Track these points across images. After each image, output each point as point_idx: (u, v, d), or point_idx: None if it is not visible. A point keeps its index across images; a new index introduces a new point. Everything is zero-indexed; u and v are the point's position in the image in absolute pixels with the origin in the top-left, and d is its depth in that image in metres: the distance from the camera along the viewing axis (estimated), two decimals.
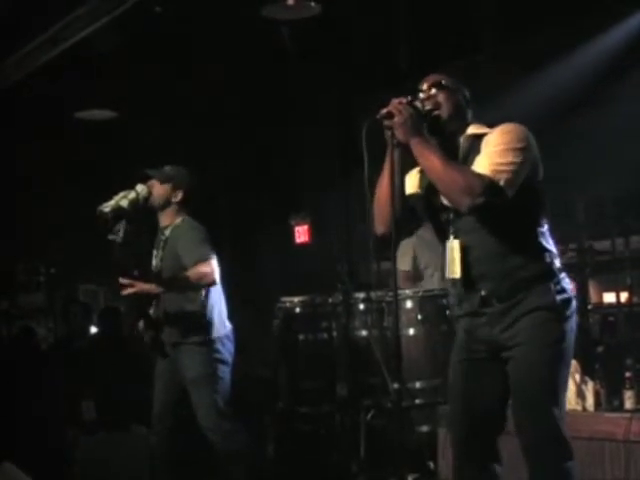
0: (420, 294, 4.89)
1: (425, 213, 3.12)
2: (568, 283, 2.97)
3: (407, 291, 4.93)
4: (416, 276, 5.39)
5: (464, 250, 2.95)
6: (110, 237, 4.09)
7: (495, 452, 3.03)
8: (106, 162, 7.93)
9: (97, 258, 4.08)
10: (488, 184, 2.78)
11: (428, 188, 3.03)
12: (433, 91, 3.00)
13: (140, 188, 4.31)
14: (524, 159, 2.85)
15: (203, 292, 4.28)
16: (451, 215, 2.99)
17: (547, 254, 2.94)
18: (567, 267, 3.11)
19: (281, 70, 6.99)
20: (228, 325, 4.39)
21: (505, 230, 2.91)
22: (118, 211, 4.16)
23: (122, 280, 4.09)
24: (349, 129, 7.21)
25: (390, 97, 2.93)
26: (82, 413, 5.83)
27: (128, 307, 6.49)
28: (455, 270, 2.97)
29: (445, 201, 2.99)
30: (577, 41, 6.07)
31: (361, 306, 4.98)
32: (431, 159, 2.85)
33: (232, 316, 4.45)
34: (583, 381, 4.10)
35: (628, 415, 3.82)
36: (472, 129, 3.00)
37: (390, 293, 4.56)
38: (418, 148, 2.87)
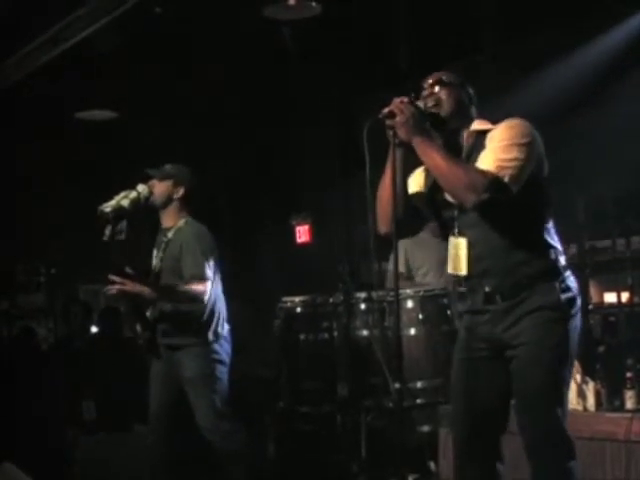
0: (421, 294, 4.88)
1: (429, 211, 3.11)
2: (573, 281, 2.95)
3: (408, 291, 4.91)
4: (408, 277, 5.40)
5: (468, 246, 2.94)
6: (104, 239, 4.08)
7: (497, 451, 3.02)
8: (106, 162, 7.94)
9: (97, 258, 4.06)
10: (492, 180, 2.77)
11: (432, 186, 3.03)
12: (435, 89, 3.00)
13: (141, 188, 4.31)
14: (529, 155, 2.83)
15: None
16: (455, 212, 2.98)
17: (552, 251, 2.92)
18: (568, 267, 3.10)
19: (281, 70, 6.99)
20: (226, 326, 4.38)
21: (509, 226, 2.89)
22: (119, 211, 4.15)
23: (112, 277, 4.06)
24: (349, 129, 7.21)
25: (390, 97, 2.92)
26: (82, 413, 5.84)
27: (126, 308, 6.48)
28: (460, 267, 2.96)
29: (449, 198, 2.98)
30: (577, 41, 6.06)
31: (362, 306, 4.97)
32: (434, 157, 2.84)
33: (232, 316, 4.44)
34: (584, 381, 4.10)
35: (629, 415, 3.82)
36: (476, 125, 2.99)
37: (391, 293, 4.57)
38: (421, 146, 2.86)
